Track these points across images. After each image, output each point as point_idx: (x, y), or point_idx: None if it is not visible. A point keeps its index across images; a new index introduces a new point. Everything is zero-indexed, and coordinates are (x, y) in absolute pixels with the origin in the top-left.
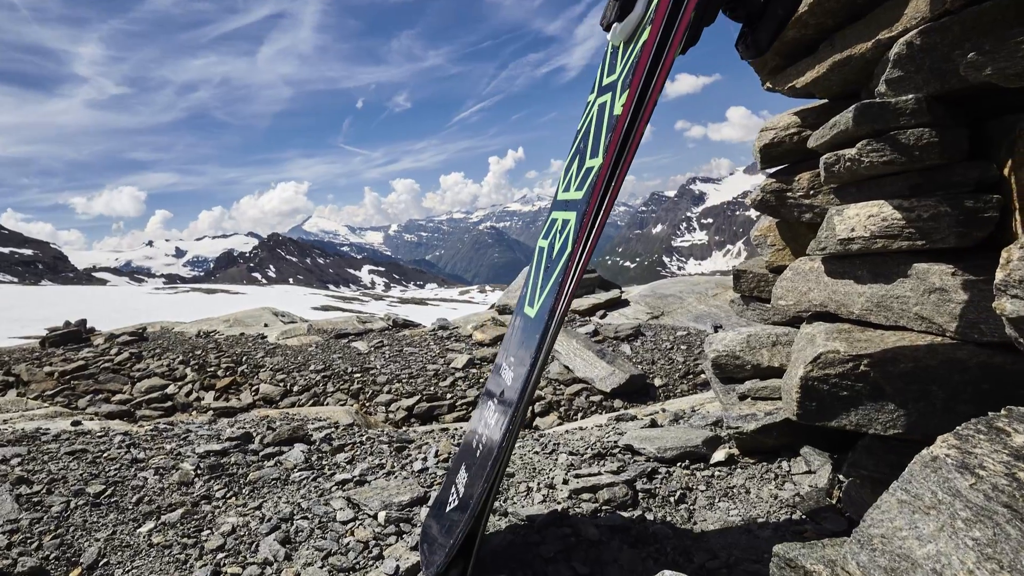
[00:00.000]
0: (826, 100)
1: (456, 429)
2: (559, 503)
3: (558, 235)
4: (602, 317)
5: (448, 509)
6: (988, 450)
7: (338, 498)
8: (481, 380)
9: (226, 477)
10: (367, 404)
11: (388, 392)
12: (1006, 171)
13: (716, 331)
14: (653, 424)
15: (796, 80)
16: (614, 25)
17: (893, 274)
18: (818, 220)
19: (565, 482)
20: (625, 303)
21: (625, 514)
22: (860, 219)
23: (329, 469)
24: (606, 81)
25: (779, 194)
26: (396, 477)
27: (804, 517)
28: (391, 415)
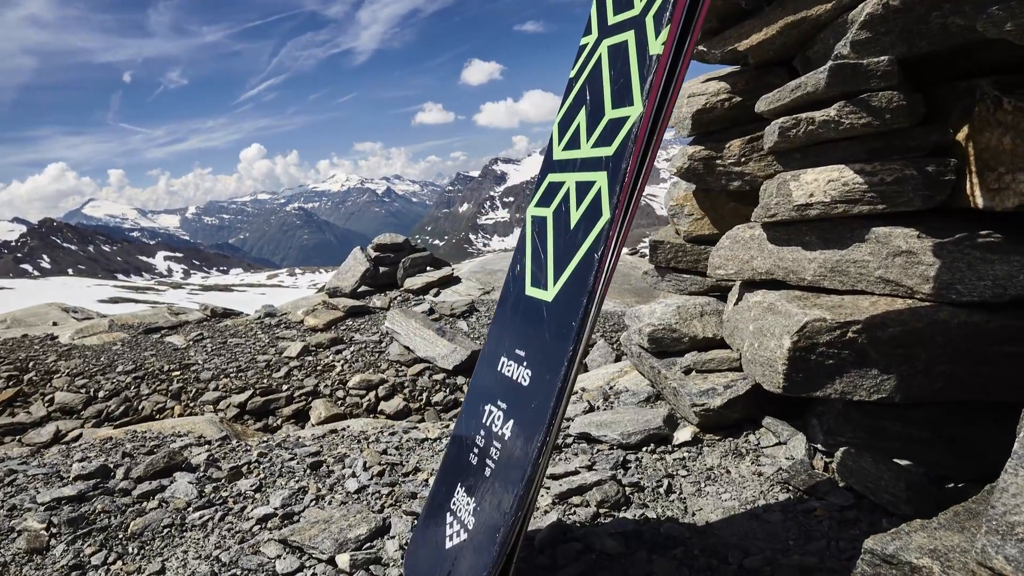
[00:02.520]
0: (738, 67)
1: (344, 428)
2: (544, 511)
3: (573, 200)
4: (436, 295)
5: (450, 546)
6: None
7: (269, 542)
8: (319, 367)
9: (97, 533)
10: (191, 404)
11: (215, 389)
12: (960, 136)
13: None
14: (592, 408)
15: (738, 43)
16: None
17: (847, 239)
18: (747, 188)
19: (546, 487)
20: (457, 280)
21: (627, 515)
22: (819, 184)
23: (235, 502)
24: (616, 19)
25: (708, 162)
26: (330, 503)
27: (803, 494)
28: (221, 414)
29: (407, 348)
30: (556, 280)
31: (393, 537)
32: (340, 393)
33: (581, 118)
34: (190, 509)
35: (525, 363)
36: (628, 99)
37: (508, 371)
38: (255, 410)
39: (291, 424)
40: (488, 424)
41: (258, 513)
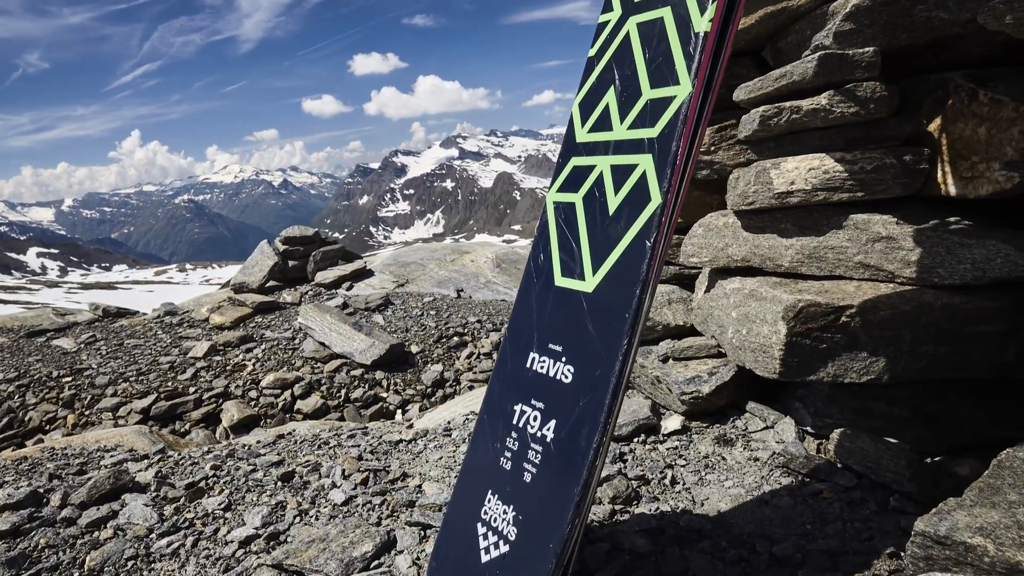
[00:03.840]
0: None
1: (290, 433)
2: None
3: (609, 185)
4: (349, 289)
5: (487, 559)
6: None
7: (260, 568)
8: (229, 367)
9: (46, 574)
10: (86, 413)
11: (113, 395)
12: (932, 126)
13: (459, 295)
14: None
15: None
16: None
17: (824, 226)
18: (715, 177)
19: None
20: (370, 273)
21: (643, 510)
22: (800, 172)
23: (204, 524)
24: None
25: None
26: (317, 519)
27: (804, 477)
28: (121, 421)
29: (322, 344)
30: (596, 269)
31: (401, 552)
32: (253, 393)
33: (610, 99)
34: (153, 536)
35: (564, 359)
36: (672, 78)
37: (541, 368)
38: (160, 416)
39: (201, 428)
40: (521, 426)
41: (237, 535)
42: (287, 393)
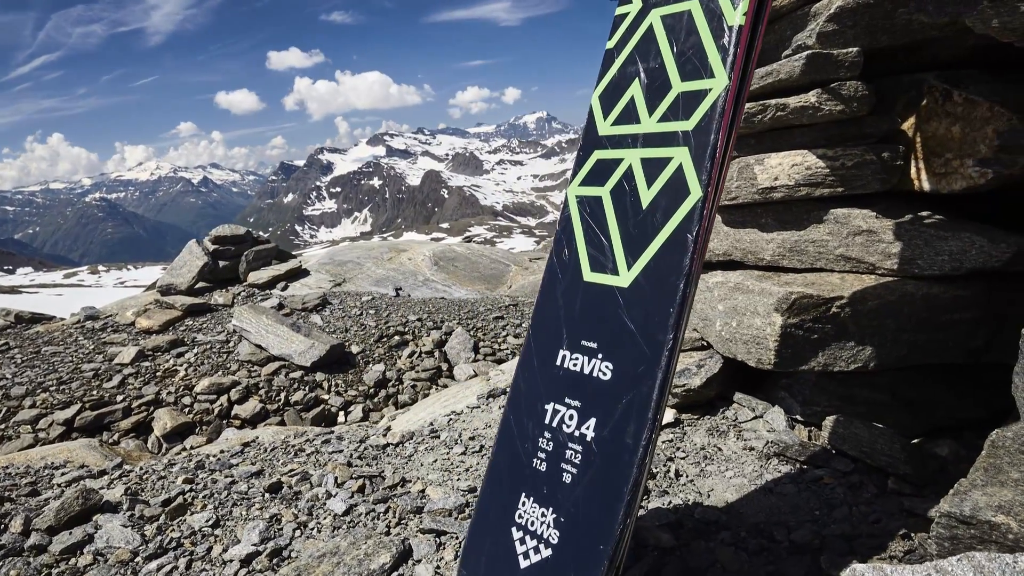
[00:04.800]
0: None
1: (254, 440)
2: None
3: (641, 178)
4: (284, 289)
5: (527, 564)
6: None
7: None
8: (159, 373)
9: None
10: (1, 427)
11: (32, 406)
12: (906, 125)
13: (398, 294)
14: None
15: None
16: None
17: (804, 220)
18: None
19: None
20: (306, 273)
21: (659, 505)
22: (783, 168)
23: (194, 543)
24: None
25: None
26: (319, 531)
27: (802, 464)
28: (43, 434)
29: (259, 347)
30: (632, 264)
31: (420, 561)
32: (187, 400)
33: (635, 91)
34: (139, 560)
35: (600, 355)
36: (704, 71)
37: (574, 365)
38: (85, 426)
39: (131, 439)
40: (555, 425)
41: (236, 553)
42: (223, 398)
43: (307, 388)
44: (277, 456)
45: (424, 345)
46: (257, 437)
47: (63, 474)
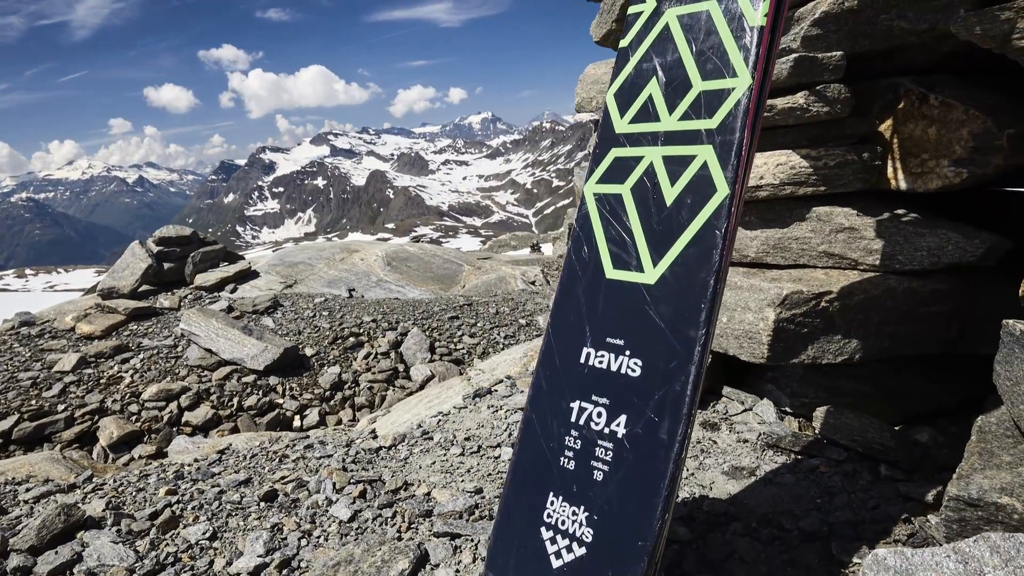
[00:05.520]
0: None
1: (227, 447)
2: None
3: (663, 176)
4: (233, 291)
5: (560, 564)
6: None
7: None
8: (103, 380)
9: None
10: None
11: None
12: (883, 127)
13: (351, 295)
14: None
15: None
16: None
17: (787, 218)
18: None
19: None
20: (256, 274)
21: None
22: (768, 168)
23: (193, 557)
24: None
25: None
26: (327, 539)
27: (797, 455)
28: None
29: (209, 351)
30: (657, 261)
31: (438, 566)
32: (134, 408)
33: (652, 90)
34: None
35: (627, 352)
36: (727, 70)
37: (600, 363)
38: (24, 438)
39: (74, 449)
40: (582, 423)
41: (243, 566)
42: (173, 405)
43: (261, 392)
44: (260, 463)
45: (380, 346)
46: (231, 444)
47: (28, 490)
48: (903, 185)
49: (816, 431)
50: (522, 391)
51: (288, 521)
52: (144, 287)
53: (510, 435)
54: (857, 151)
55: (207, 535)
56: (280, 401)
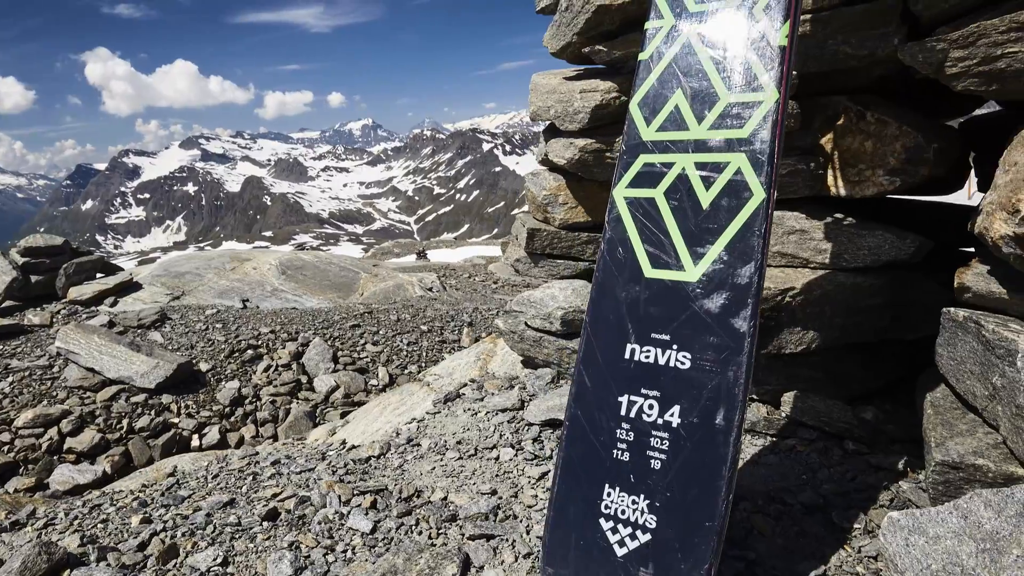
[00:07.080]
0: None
1: (176, 468)
2: None
3: (698, 181)
4: (113, 305)
5: (624, 552)
6: None
7: None
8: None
9: None
10: None
11: None
12: (824, 140)
13: (245, 305)
14: (525, 396)
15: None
16: None
17: None
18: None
19: None
20: (138, 286)
21: None
22: None
23: None
24: (701, 7)
25: (598, 154)
26: (355, 552)
27: (772, 437)
28: None
29: (91, 370)
30: (698, 260)
31: (482, 568)
32: (5, 436)
33: (679, 100)
34: None
35: (675, 346)
36: (753, 85)
37: (646, 357)
38: None
39: None
40: (633, 416)
41: None
42: (52, 431)
43: (153, 412)
44: (231, 483)
45: (280, 358)
46: (176, 466)
47: (15, 515)
48: (843, 192)
49: (786, 415)
50: (493, 393)
51: (305, 538)
52: (8, 303)
53: (501, 436)
54: (805, 161)
55: (218, 561)
56: (175, 420)
